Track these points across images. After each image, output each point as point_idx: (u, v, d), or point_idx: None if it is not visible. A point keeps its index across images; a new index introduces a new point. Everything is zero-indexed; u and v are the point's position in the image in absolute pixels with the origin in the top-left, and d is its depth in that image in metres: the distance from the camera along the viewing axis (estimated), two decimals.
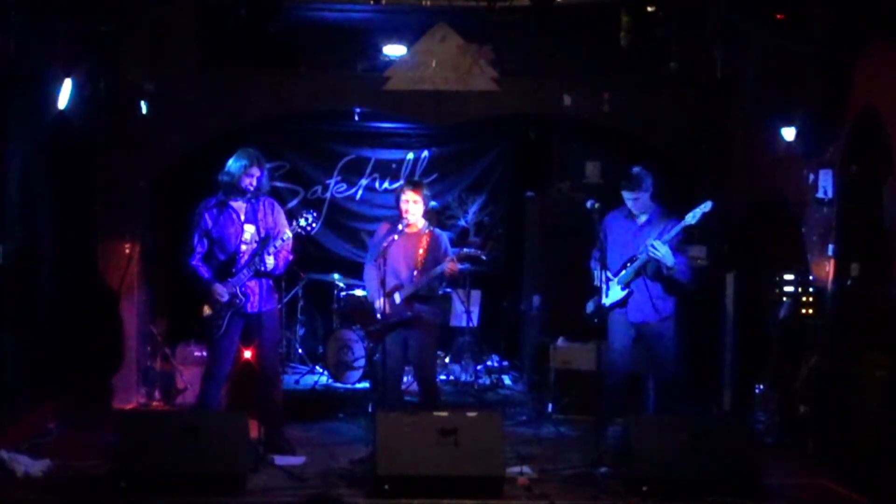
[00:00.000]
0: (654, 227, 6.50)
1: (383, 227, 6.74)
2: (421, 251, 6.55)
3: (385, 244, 6.43)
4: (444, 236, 6.74)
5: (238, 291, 6.18)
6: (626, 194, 6.55)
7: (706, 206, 6.26)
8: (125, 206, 7.96)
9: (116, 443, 5.64)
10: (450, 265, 6.46)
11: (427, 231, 6.63)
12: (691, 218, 6.29)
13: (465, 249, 6.63)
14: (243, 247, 6.23)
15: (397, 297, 6.53)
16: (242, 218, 6.25)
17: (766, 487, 5.71)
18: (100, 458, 5.97)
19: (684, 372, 6.96)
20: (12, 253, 6.42)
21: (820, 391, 6.44)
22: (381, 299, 6.44)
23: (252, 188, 6.21)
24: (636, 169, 6.57)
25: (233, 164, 6.22)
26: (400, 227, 6.53)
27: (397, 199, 6.64)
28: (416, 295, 6.55)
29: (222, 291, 6.15)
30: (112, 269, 7.90)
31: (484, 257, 6.74)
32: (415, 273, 6.54)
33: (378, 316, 6.58)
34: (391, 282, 6.47)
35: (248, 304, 6.23)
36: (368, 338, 7.69)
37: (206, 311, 6.21)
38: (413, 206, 6.54)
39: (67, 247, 7.42)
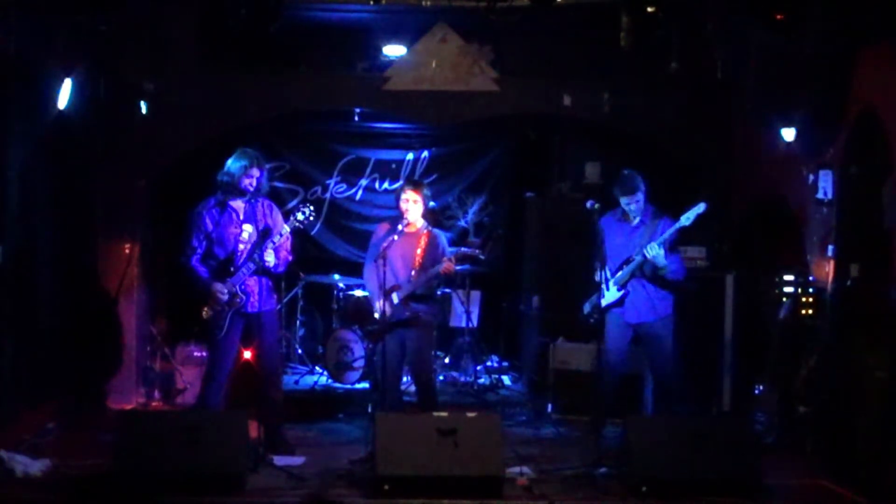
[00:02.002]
0: (648, 227, 6.53)
1: (383, 228, 6.74)
2: (419, 251, 6.56)
3: (384, 244, 6.44)
4: (443, 237, 6.75)
5: (238, 290, 6.17)
6: (623, 199, 6.57)
7: (700, 208, 6.27)
8: (125, 206, 7.96)
9: (116, 443, 5.64)
10: (446, 265, 6.45)
11: (426, 231, 6.64)
12: (685, 220, 6.31)
13: (462, 249, 6.63)
14: (241, 246, 6.23)
15: (395, 297, 6.53)
16: (241, 217, 6.26)
17: (766, 487, 5.71)
18: (100, 458, 5.96)
19: (682, 372, 6.96)
20: (12, 253, 6.42)
21: (820, 391, 6.44)
22: (381, 300, 6.47)
23: (251, 189, 6.22)
24: (626, 171, 6.60)
25: (232, 164, 6.22)
26: (399, 227, 6.54)
27: (397, 199, 6.65)
28: (414, 295, 6.56)
29: (222, 290, 6.15)
30: (112, 269, 7.89)
31: (482, 257, 6.73)
32: (412, 273, 6.54)
33: (377, 316, 6.59)
34: (390, 281, 6.48)
35: (248, 304, 6.23)
36: (367, 338, 7.69)
37: (207, 312, 6.20)
38: (413, 206, 6.54)
39: (67, 247, 7.42)
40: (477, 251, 6.63)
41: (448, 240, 6.87)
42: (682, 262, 6.65)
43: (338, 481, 5.83)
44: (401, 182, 9.21)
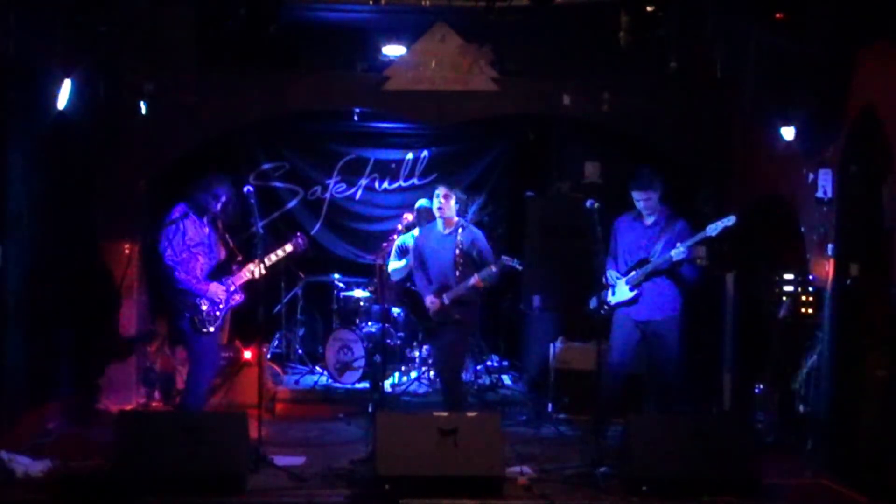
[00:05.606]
0: (664, 229, 6.56)
1: (405, 223, 7.18)
2: (457, 251, 6.75)
3: (421, 245, 6.84)
4: (481, 235, 6.96)
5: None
6: (636, 194, 6.62)
7: (729, 221, 6.35)
8: (125, 206, 7.96)
9: (116, 443, 5.65)
10: (475, 281, 6.67)
11: (459, 228, 6.84)
12: (713, 230, 6.37)
13: (504, 260, 6.75)
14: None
15: (445, 299, 6.77)
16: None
17: (766, 487, 5.72)
18: (100, 458, 5.98)
19: (683, 372, 6.97)
20: (12, 253, 6.42)
21: (820, 391, 6.44)
22: (431, 297, 6.81)
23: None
24: (645, 169, 6.62)
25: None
26: (437, 227, 6.86)
27: (434, 200, 6.86)
28: (459, 300, 6.78)
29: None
30: (112, 270, 7.89)
31: (519, 267, 6.85)
32: (456, 273, 6.74)
33: (429, 305, 6.89)
34: (437, 283, 6.81)
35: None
36: (426, 334, 8.02)
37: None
38: (445, 202, 6.79)
39: (67, 247, 7.41)
40: (514, 261, 6.74)
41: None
42: (694, 270, 6.72)
43: (338, 481, 5.83)
44: (400, 182, 9.33)
